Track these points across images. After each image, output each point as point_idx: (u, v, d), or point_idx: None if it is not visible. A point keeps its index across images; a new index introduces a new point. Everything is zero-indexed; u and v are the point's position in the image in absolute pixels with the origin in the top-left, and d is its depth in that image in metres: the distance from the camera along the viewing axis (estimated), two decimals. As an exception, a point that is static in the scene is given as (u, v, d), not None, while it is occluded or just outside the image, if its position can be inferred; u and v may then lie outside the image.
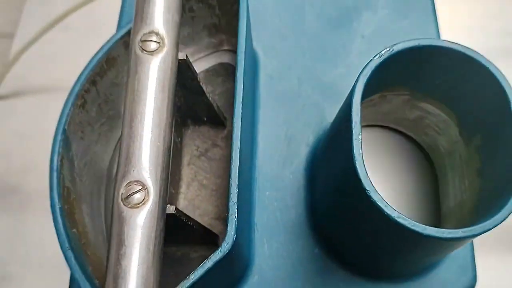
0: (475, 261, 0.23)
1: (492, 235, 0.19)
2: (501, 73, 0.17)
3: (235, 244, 0.16)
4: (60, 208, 0.17)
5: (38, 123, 0.48)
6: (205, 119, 0.23)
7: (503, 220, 0.15)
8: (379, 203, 0.16)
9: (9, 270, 0.42)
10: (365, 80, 0.17)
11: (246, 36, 0.20)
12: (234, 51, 0.26)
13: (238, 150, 0.17)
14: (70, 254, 0.17)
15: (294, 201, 0.23)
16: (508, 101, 0.17)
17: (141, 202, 0.14)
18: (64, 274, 0.26)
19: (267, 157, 0.24)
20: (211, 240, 0.21)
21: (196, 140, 0.24)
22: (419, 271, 0.22)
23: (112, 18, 0.53)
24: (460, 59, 0.17)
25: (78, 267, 0.17)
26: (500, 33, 0.47)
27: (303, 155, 0.24)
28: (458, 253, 0.23)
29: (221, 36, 0.25)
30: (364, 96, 0.20)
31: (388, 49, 0.17)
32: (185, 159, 0.23)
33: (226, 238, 0.16)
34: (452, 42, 0.17)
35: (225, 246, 0.16)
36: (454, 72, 0.18)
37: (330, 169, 0.20)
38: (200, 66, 0.25)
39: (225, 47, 0.26)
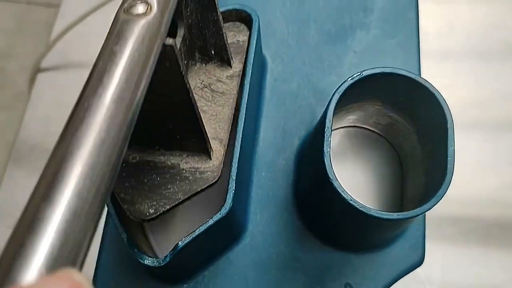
0: (425, 243, 0.29)
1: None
2: (442, 97, 0.23)
3: (231, 210, 0.22)
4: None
5: (75, 94, 0.54)
6: (213, 52, 0.24)
7: (420, 214, 0.21)
8: (338, 189, 0.21)
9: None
10: (338, 96, 0.23)
11: (255, 51, 0.26)
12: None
13: (240, 139, 0.23)
14: (111, 205, 0.22)
15: (284, 182, 0.29)
16: (446, 120, 0.22)
17: (142, 13, 0.15)
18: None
19: (266, 145, 0.30)
20: (204, 148, 0.22)
21: (201, 76, 0.25)
22: (376, 245, 0.28)
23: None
24: (413, 85, 0.23)
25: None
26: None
27: (295, 146, 0.30)
28: (411, 235, 0.28)
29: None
30: (344, 104, 0.26)
31: (358, 73, 0.23)
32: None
33: (225, 204, 0.22)
34: (407, 71, 0.23)
35: (224, 211, 0.22)
36: (410, 94, 0.24)
37: (310, 160, 0.26)
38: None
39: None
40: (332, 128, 0.29)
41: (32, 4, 1.10)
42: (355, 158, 0.30)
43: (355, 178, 0.30)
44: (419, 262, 0.28)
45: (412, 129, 0.27)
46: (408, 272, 0.28)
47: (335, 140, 0.31)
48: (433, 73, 0.56)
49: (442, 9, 0.60)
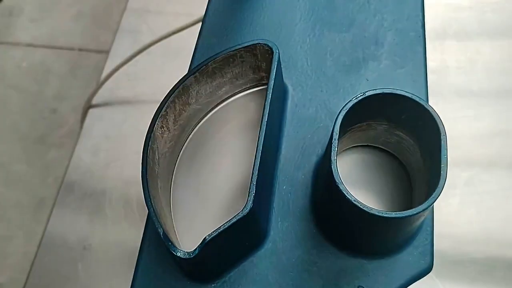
0: (433, 251, 0.31)
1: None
2: (435, 112, 0.26)
3: (252, 211, 0.26)
4: (147, 178, 0.27)
5: (122, 127, 0.60)
6: None
7: (416, 213, 0.24)
8: (343, 191, 0.25)
9: (90, 242, 0.54)
10: (344, 113, 0.26)
11: (275, 79, 0.30)
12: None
13: (261, 150, 0.27)
14: (150, 204, 0.27)
15: (302, 194, 0.33)
16: (439, 133, 0.26)
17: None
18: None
19: (287, 161, 0.33)
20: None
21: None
22: (386, 251, 0.30)
23: (184, 48, 0.65)
24: (410, 103, 0.26)
25: (155, 215, 0.26)
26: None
27: (312, 163, 0.33)
28: (419, 243, 0.31)
29: (262, 74, 0.35)
30: (354, 123, 0.29)
31: (362, 94, 0.27)
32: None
33: (245, 205, 0.26)
34: (405, 91, 0.26)
35: (245, 210, 0.26)
36: (410, 111, 0.27)
37: (323, 173, 0.29)
38: (245, 93, 0.36)
39: (264, 82, 0.35)
40: (346, 147, 0.33)
41: (84, 51, 1.19)
42: (367, 176, 0.33)
43: (366, 195, 0.33)
44: (428, 269, 0.31)
45: (416, 145, 0.30)
46: (418, 279, 0.31)
47: (347, 160, 0.34)
48: (456, 105, 0.59)
49: (462, 45, 0.63)
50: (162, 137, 0.30)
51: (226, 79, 0.34)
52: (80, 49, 1.17)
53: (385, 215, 0.24)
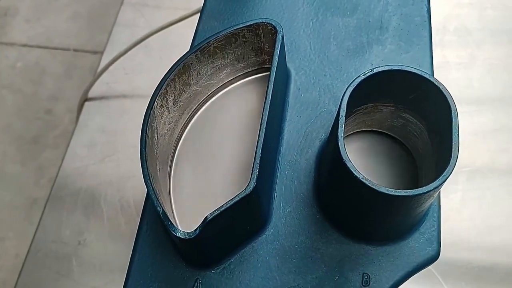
0: (440, 238, 0.30)
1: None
2: (446, 89, 0.25)
3: (255, 190, 0.25)
4: (145, 156, 0.26)
5: (118, 121, 0.59)
6: None
7: (426, 191, 0.23)
8: (351, 169, 0.24)
9: (85, 236, 0.53)
10: (352, 89, 0.25)
11: (278, 59, 0.29)
12: (273, 69, 0.35)
13: (264, 129, 0.26)
14: (149, 183, 0.25)
15: (305, 179, 0.32)
16: (450, 110, 0.25)
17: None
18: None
19: (289, 146, 0.32)
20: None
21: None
22: (393, 237, 0.29)
23: (183, 42, 0.64)
24: (419, 80, 0.26)
25: (154, 192, 0.25)
26: None
27: (316, 147, 0.32)
28: (425, 229, 0.30)
29: (264, 57, 0.34)
30: (359, 104, 0.28)
31: (369, 70, 0.26)
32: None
33: (249, 184, 0.25)
34: (413, 68, 0.25)
35: (248, 189, 0.25)
36: (418, 90, 0.26)
37: (329, 155, 0.29)
38: (247, 76, 0.35)
39: (266, 65, 0.35)
40: (350, 132, 0.32)
41: (79, 51, 1.18)
42: (372, 163, 0.33)
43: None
44: (435, 256, 0.30)
45: (423, 126, 0.29)
46: (425, 266, 0.30)
47: (352, 145, 0.33)
48: (457, 101, 0.58)
49: (463, 41, 0.63)
50: (162, 117, 0.29)
51: (227, 61, 0.33)
52: (75, 50, 1.16)
53: (394, 193, 0.23)
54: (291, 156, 0.32)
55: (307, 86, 0.35)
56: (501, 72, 0.62)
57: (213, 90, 0.34)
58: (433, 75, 0.34)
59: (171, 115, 0.31)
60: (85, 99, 0.62)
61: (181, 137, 0.33)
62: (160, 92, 0.28)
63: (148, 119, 0.27)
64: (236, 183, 0.32)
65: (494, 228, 0.52)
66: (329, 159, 0.28)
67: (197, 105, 0.34)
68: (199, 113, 0.34)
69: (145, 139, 0.26)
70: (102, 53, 0.65)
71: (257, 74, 0.35)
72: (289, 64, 0.35)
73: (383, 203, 0.25)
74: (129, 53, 0.59)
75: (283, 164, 0.32)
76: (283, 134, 0.33)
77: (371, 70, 0.26)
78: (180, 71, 0.30)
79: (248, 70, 0.35)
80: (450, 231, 0.51)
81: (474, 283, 0.49)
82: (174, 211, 0.31)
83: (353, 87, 0.25)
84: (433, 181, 0.25)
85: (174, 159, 0.33)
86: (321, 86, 0.34)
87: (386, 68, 0.26)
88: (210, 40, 0.30)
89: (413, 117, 0.29)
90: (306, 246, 0.30)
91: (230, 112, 0.34)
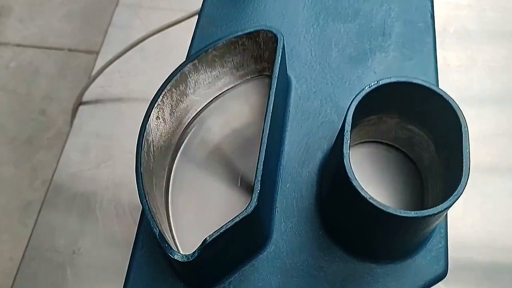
0: (448, 256, 0.29)
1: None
2: (456, 103, 0.24)
3: (256, 209, 0.24)
4: (141, 173, 0.25)
5: (113, 126, 0.58)
6: None
7: (437, 212, 0.22)
8: (357, 188, 0.23)
9: (80, 245, 0.51)
10: (357, 103, 0.24)
11: (279, 67, 0.28)
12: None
13: (265, 144, 0.25)
14: (145, 202, 0.24)
15: (307, 193, 0.30)
16: (460, 126, 0.24)
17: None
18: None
19: (290, 158, 0.31)
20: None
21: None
22: (398, 255, 0.28)
23: (179, 45, 0.63)
24: (427, 92, 0.24)
25: (149, 212, 0.24)
26: None
27: (318, 160, 0.31)
28: (432, 247, 0.29)
29: (264, 64, 0.32)
30: (364, 115, 0.27)
31: (375, 82, 0.24)
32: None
33: (250, 203, 0.24)
34: (421, 80, 0.24)
35: (249, 208, 0.23)
36: (425, 102, 0.25)
37: (332, 169, 0.27)
38: (246, 85, 0.33)
39: (266, 73, 0.33)
40: (354, 143, 0.31)
41: (73, 51, 1.16)
42: (376, 174, 0.31)
43: (376, 194, 0.31)
44: (443, 275, 0.29)
45: (430, 139, 0.28)
46: (432, 285, 0.29)
47: (356, 156, 0.32)
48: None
49: (463, 44, 0.62)
50: (158, 129, 0.28)
51: (226, 69, 0.31)
52: (69, 49, 1.14)
53: (403, 215, 0.22)
54: (292, 169, 0.31)
55: (308, 94, 0.33)
56: (501, 73, 0.60)
57: (211, 98, 0.33)
58: (438, 82, 0.33)
59: (167, 126, 0.30)
60: (79, 102, 0.60)
61: (179, 149, 0.32)
62: (156, 104, 0.27)
63: (144, 132, 0.26)
64: (236, 195, 0.30)
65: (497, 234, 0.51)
66: (332, 174, 0.27)
67: (194, 114, 0.33)
68: (196, 121, 0.33)
69: (141, 155, 0.25)
70: (97, 53, 0.63)
71: (254, 80, 0.34)
72: (289, 72, 0.34)
73: (390, 223, 0.24)
74: (124, 55, 0.58)
75: (284, 176, 0.31)
76: (284, 146, 0.32)
77: (377, 82, 0.24)
78: (177, 81, 0.28)
79: (247, 77, 0.33)
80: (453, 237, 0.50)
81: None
82: (172, 227, 0.30)
83: (358, 100, 0.24)
84: (443, 200, 0.24)
85: (172, 172, 0.31)
86: (322, 94, 0.33)
87: (392, 80, 0.24)
88: (208, 49, 0.29)
89: (419, 129, 0.28)
90: (309, 264, 0.29)
91: (229, 120, 0.33)
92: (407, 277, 0.28)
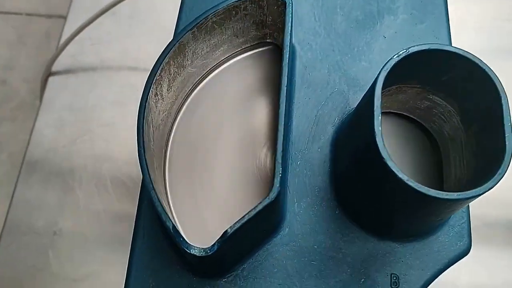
0: (471, 231, 0.28)
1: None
2: (494, 73, 0.22)
3: (278, 195, 0.22)
4: (145, 159, 0.22)
5: (88, 98, 0.54)
6: None
7: (482, 193, 0.20)
8: (393, 169, 0.20)
9: (60, 226, 0.48)
10: (385, 74, 0.22)
11: (289, 35, 0.25)
12: (274, 44, 0.31)
13: (283, 123, 0.22)
14: (154, 193, 0.22)
15: (320, 170, 0.28)
16: (499, 97, 0.22)
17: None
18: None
19: (299, 133, 0.29)
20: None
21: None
22: (422, 233, 0.27)
23: (154, 8, 0.58)
24: (461, 61, 0.22)
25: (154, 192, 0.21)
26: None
27: (329, 134, 0.29)
28: (454, 222, 0.27)
29: (266, 31, 0.30)
30: (384, 86, 0.25)
31: (404, 50, 0.22)
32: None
33: (273, 189, 0.21)
34: (455, 47, 0.22)
35: (272, 195, 0.21)
36: (457, 72, 0.23)
37: (353, 145, 0.25)
38: (245, 54, 0.30)
39: (268, 40, 0.30)
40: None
41: (33, 15, 1.09)
42: (390, 145, 0.29)
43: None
44: (466, 251, 0.27)
45: (454, 110, 0.26)
46: (455, 262, 0.27)
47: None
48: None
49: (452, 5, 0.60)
50: (156, 106, 0.25)
51: (225, 37, 0.28)
52: (28, 14, 1.06)
53: (446, 197, 0.20)
54: (302, 144, 0.29)
55: (314, 63, 0.31)
56: (490, 35, 0.59)
57: (207, 69, 0.30)
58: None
59: (165, 103, 0.27)
60: (48, 73, 0.55)
61: (173, 126, 0.29)
62: (154, 79, 0.24)
63: (144, 112, 0.23)
64: (237, 175, 0.28)
65: None
66: (353, 151, 0.25)
67: (190, 88, 0.30)
68: (192, 96, 0.30)
69: (143, 138, 0.22)
70: (60, 17, 0.58)
71: (254, 49, 0.31)
72: (293, 39, 0.31)
73: (425, 204, 0.22)
74: (95, 21, 0.53)
75: (294, 153, 0.28)
76: (292, 120, 0.29)
77: (406, 50, 0.22)
78: (175, 52, 0.25)
79: (247, 45, 0.30)
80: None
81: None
82: (173, 211, 0.27)
83: (387, 71, 0.22)
84: (474, 174, 0.23)
85: (168, 153, 0.29)
86: (329, 62, 0.31)
87: (424, 47, 0.22)
88: (208, 15, 0.26)
89: (443, 99, 0.26)
90: (327, 246, 0.27)
91: (226, 93, 0.30)
92: (430, 255, 0.27)
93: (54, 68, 0.55)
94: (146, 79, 0.24)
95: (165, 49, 0.25)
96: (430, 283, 0.27)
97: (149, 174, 0.21)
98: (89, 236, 0.48)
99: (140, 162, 0.22)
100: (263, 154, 0.28)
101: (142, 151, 0.22)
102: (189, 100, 0.30)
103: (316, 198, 0.28)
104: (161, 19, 0.56)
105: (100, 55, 0.56)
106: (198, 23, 0.25)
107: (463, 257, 0.27)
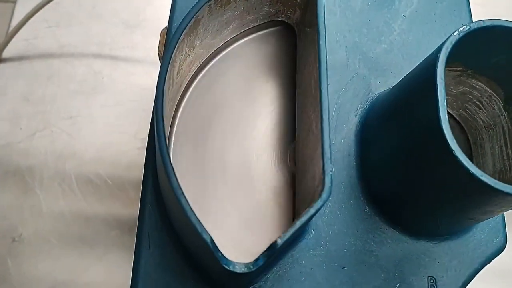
0: (506, 226, 0.26)
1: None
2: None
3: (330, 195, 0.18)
4: (171, 164, 0.18)
5: (46, 86, 0.48)
6: None
7: None
8: (463, 162, 0.18)
9: (20, 231, 0.43)
10: (447, 52, 0.19)
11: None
12: (286, 22, 0.27)
13: (327, 116, 0.19)
14: (183, 199, 0.18)
15: (345, 164, 0.25)
16: None
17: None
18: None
19: (321, 123, 0.26)
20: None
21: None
22: (458, 230, 0.24)
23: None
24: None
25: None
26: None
27: (352, 123, 0.26)
28: (490, 218, 0.25)
29: (279, 7, 0.26)
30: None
31: (466, 26, 0.19)
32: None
33: (325, 189, 0.18)
34: (522, 24, 0.20)
35: (325, 195, 0.18)
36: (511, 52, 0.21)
37: (396, 136, 0.22)
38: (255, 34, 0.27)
39: (280, 18, 0.27)
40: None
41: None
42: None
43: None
44: (502, 247, 0.25)
45: (496, 95, 0.23)
46: (491, 260, 0.25)
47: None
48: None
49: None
50: (167, 95, 0.21)
51: (237, 12, 0.25)
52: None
53: (523, 193, 0.18)
54: (324, 135, 0.26)
55: (331, 45, 0.28)
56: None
57: (213, 51, 0.26)
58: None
59: (174, 89, 0.23)
60: (-2, 60, 0.49)
61: (176, 115, 0.25)
62: (170, 61, 0.20)
63: (162, 109, 0.19)
64: (249, 170, 0.25)
65: None
66: (396, 144, 0.22)
67: (195, 71, 0.26)
68: (198, 83, 0.26)
69: (164, 139, 0.18)
70: (14, 1, 0.52)
71: (262, 30, 0.28)
72: (306, 17, 0.28)
73: (490, 201, 0.19)
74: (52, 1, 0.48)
75: (316, 146, 0.25)
76: (312, 108, 0.26)
77: (468, 26, 0.19)
78: (190, 29, 0.21)
79: (256, 24, 0.27)
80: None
81: None
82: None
83: (448, 49, 0.19)
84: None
85: (171, 148, 0.25)
86: (347, 44, 0.28)
87: (487, 23, 0.19)
88: (228, -15, 0.22)
89: (485, 84, 0.24)
90: (357, 249, 0.24)
91: (230, 80, 0.27)
92: (467, 254, 0.25)
93: (5, 54, 0.49)
94: (161, 63, 0.20)
95: (180, 24, 0.21)
96: (467, 285, 0.25)
97: (176, 177, 0.17)
98: (54, 241, 0.43)
99: (164, 167, 0.18)
100: (280, 147, 0.25)
101: (167, 154, 0.18)
102: (193, 85, 0.26)
103: (342, 195, 0.25)
104: (127, -1, 0.51)
105: (58, 39, 0.50)
106: (216, -5, 0.22)
107: (498, 255, 0.25)
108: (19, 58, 0.49)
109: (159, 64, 0.21)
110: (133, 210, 0.46)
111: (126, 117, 0.48)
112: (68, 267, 0.43)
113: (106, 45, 0.50)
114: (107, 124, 0.47)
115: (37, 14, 0.47)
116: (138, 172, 0.24)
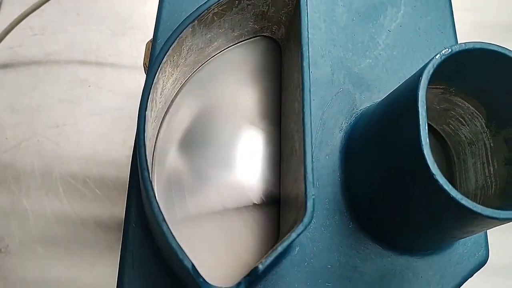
0: (488, 240, 0.26)
1: None
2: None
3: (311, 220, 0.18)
4: (154, 192, 0.18)
5: (32, 95, 0.48)
6: None
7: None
8: (444, 186, 0.18)
9: (7, 243, 0.43)
10: (429, 76, 0.19)
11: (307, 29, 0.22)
12: (271, 37, 0.27)
13: (310, 134, 0.19)
14: (165, 225, 0.18)
15: (329, 180, 0.25)
16: (544, 100, 0.20)
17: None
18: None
19: (306, 139, 0.26)
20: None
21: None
22: (441, 246, 0.25)
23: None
24: (504, 62, 0.20)
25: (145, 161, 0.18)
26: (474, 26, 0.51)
27: (337, 139, 0.26)
28: (472, 231, 0.26)
29: (264, 23, 0.26)
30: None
31: (447, 49, 0.20)
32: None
33: (306, 214, 0.18)
34: (501, 47, 0.20)
35: (306, 220, 0.18)
36: (493, 73, 0.21)
37: (378, 155, 0.22)
38: (238, 49, 0.27)
39: (265, 34, 0.27)
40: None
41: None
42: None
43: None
44: (484, 261, 0.26)
45: (479, 113, 0.24)
46: (473, 273, 0.26)
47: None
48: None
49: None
50: (150, 119, 0.21)
51: (222, 30, 0.25)
52: None
53: (503, 216, 0.18)
54: (308, 152, 0.26)
55: (315, 59, 0.28)
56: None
57: (197, 67, 0.26)
58: (457, 41, 0.29)
59: (157, 108, 0.23)
60: (-17, 68, 0.49)
61: (159, 133, 0.25)
62: (153, 84, 0.20)
63: (145, 133, 0.19)
64: (232, 190, 0.25)
65: None
66: (378, 163, 0.22)
67: (178, 89, 0.26)
68: (179, 101, 0.26)
69: (146, 161, 0.18)
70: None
71: (246, 41, 0.28)
72: (290, 32, 0.28)
73: (470, 221, 0.20)
74: (38, 8, 0.47)
75: (300, 162, 0.25)
76: (296, 124, 0.26)
77: (449, 49, 0.20)
78: (173, 50, 0.21)
79: (241, 40, 0.27)
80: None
81: None
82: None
83: (430, 72, 0.19)
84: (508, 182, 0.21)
85: (156, 160, 0.25)
86: (332, 59, 0.28)
87: (469, 46, 0.20)
88: (211, 6, 0.22)
89: (468, 101, 0.24)
90: (341, 265, 0.24)
91: (218, 94, 0.27)
92: (449, 268, 0.25)
93: (-10, 61, 0.49)
94: (143, 86, 0.20)
95: (163, 46, 0.21)
96: (449, 300, 0.25)
97: (157, 204, 0.17)
98: (41, 251, 0.43)
99: (146, 191, 0.18)
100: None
101: (150, 185, 0.18)
102: (176, 103, 0.26)
103: (327, 211, 0.25)
104: (115, 5, 0.51)
105: (43, 47, 0.50)
106: (200, 15, 0.22)
107: (480, 268, 0.26)
108: (4, 66, 0.49)
109: (145, 75, 0.21)
110: (121, 219, 0.46)
111: (113, 125, 0.47)
112: (56, 277, 0.43)
113: (92, 53, 0.50)
114: (94, 133, 0.47)
115: (22, 22, 0.47)
116: (126, 180, 0.24)
